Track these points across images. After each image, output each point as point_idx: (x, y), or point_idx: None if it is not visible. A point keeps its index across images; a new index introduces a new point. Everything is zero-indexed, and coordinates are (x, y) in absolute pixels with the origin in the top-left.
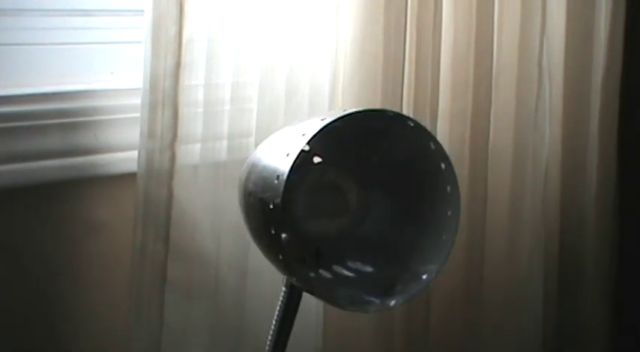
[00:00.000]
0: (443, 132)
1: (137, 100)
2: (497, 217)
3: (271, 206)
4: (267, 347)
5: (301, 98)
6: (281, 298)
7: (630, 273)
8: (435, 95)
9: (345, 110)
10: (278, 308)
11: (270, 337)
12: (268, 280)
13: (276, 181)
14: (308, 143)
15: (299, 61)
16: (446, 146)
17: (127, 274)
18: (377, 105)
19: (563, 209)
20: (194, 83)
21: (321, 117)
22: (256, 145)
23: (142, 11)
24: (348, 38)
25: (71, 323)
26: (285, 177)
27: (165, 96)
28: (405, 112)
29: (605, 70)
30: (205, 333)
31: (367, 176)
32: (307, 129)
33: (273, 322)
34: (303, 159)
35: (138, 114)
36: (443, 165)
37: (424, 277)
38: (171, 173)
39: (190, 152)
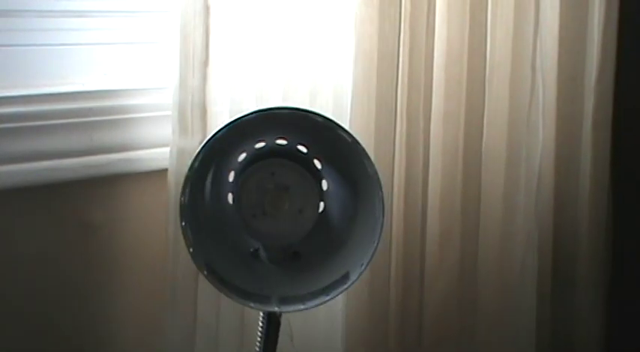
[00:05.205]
0: (436, 133)
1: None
2: (490, 217)
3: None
4: None
5: (325, 97)
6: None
7: (624, 274)
8: (429, 95)
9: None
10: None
11: None
12: None
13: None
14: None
15: (322, 59)
16: (439, 146)
17: (159, 267)
18: (371, 107)
19: (557, 209)
20: (221, 82)
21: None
22: None
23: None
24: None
25: (106, 316)
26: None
27: (194, 94)
28: (398, 113)
29: (599, 70)
30: (236, 323)
31: (315, 172)
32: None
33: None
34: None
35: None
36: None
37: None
38: None
39: None
